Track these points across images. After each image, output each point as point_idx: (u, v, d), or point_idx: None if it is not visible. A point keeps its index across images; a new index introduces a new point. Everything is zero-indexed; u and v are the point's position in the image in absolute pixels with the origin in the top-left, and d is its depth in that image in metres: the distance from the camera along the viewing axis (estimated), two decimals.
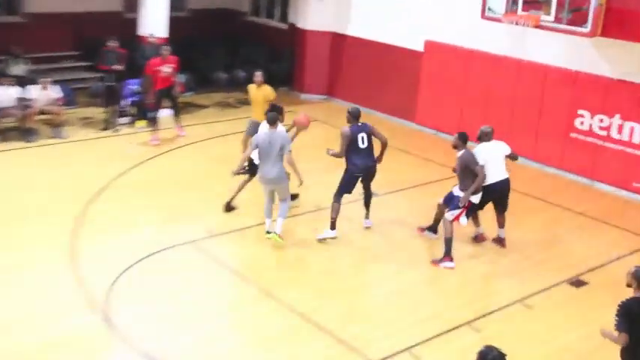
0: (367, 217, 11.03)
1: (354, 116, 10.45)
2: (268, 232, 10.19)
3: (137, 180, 12.53)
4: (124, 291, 8.88)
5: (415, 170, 13.79)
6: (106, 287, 8.85)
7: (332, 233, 10.42)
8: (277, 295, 8.96)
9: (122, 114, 15.40)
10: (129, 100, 15.57)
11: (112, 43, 15.29)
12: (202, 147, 14.51)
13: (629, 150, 12.80)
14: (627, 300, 6.54)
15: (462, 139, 9.91)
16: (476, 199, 9.97)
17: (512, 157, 10.36)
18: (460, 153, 9.91)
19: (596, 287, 9.71)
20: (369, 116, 16.93)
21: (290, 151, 9.99)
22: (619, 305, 6.51)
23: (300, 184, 10.11)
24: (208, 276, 9.54)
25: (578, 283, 9.83)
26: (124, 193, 11.87)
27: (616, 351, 6.68)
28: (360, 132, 10.36)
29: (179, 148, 14.24)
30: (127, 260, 9.52)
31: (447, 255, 9.93)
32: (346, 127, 10.41)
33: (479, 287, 9.73)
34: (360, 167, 10.37)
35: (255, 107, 12.59)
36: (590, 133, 13.32)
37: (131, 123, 15.35)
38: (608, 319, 8.85)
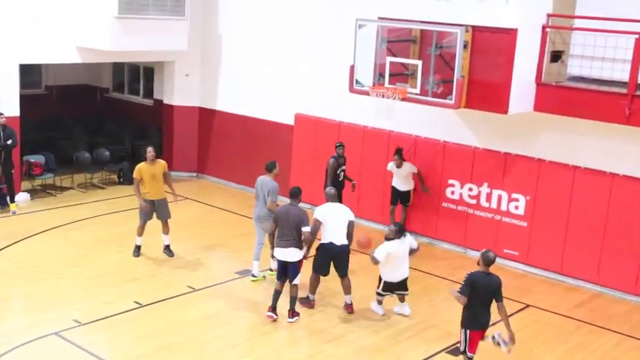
0: None
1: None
2: (254, 276, 12.21)
3: None
4: None
5: None
6: None
7: None
8: None
9: None
10: None
11: None
12: (65, 231, 14.30)
13: (498, 217, 13.72)
14: (472, 272, 8.77)
15: (292, 195, 10.97)
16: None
17: (348, 226, 11.05)
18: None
19: None
20: (242, 193, 17.30)
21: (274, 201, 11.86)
22: (466, 275, 8.77)
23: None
24: None
25: (456, 351, 10.28)
26: None
27: None
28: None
29: (40, 234, 14.00)
30: None
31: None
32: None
33: None
34: None
35: (151, 183, 12.73)
36: (460, 202, 14.18)
37: None
38: None
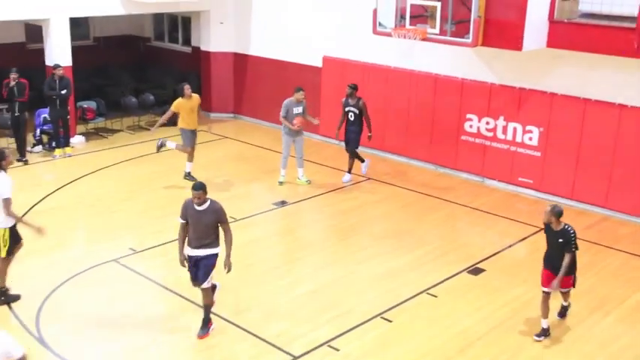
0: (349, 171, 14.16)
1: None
2: (281, 183, 13.69)
3: (58, 204, 12.58)
4: (54, 308, 9.03)
5: (326, 178, 14.34)
6: (36, 306, 9.00)
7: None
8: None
9: (37, 143, 15.50)
10: (40, 129, 15.58)
11: (13, 75, 14.54)
12: (117, 170, 14.59)
13: (513, 148, 13.71)
14: (569, 227, 8.48)
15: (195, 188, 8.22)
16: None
17: None
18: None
19: (492, 273, 10.42)
20: (276, 131, 17.44)
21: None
22: (572, 234, 8.43)
23: None
24: (135, 290, 9.73)
25: (476, 271, 10.52)
26: (46, 217, 11.78)
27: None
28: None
29: (95, 172, 14.29)
30: (55, 280, 9.69)
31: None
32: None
33: (387, 282, 10.20)
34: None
35: (190, 116, 13.27)
36: (478, 134, 14.17)
37: (47, 151, 15.41)
38: (504, 300, 9.73)
